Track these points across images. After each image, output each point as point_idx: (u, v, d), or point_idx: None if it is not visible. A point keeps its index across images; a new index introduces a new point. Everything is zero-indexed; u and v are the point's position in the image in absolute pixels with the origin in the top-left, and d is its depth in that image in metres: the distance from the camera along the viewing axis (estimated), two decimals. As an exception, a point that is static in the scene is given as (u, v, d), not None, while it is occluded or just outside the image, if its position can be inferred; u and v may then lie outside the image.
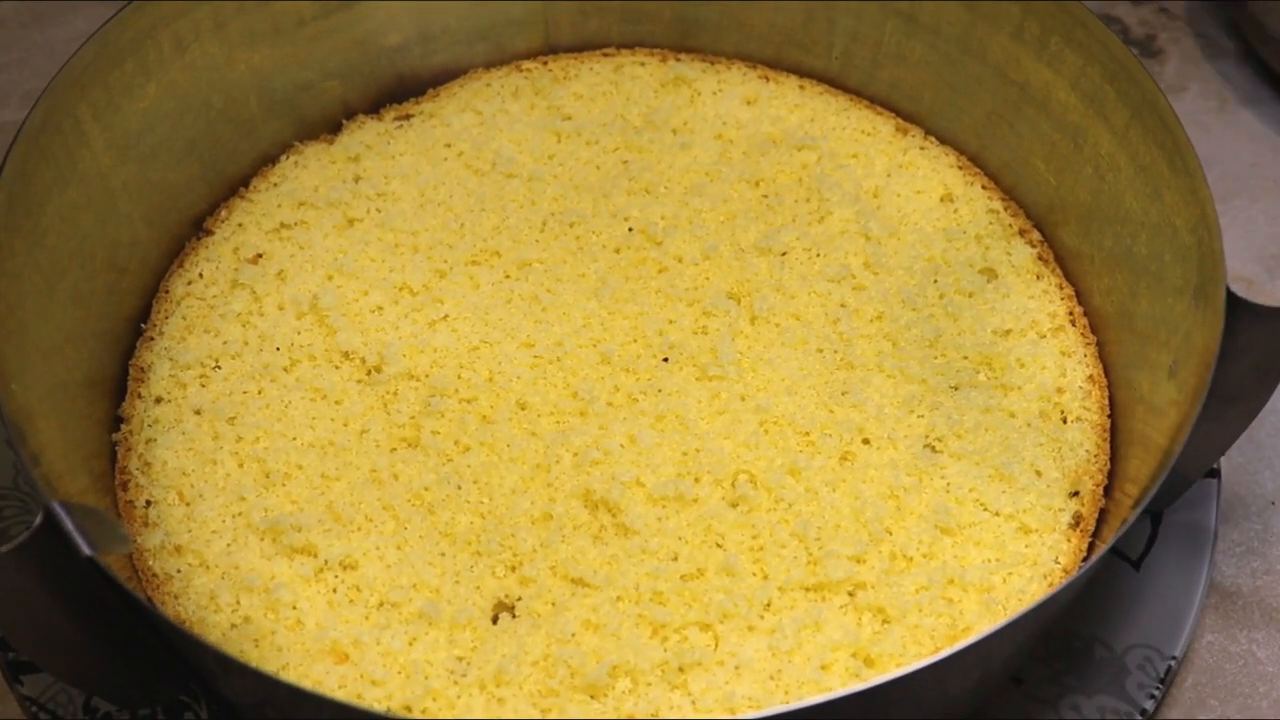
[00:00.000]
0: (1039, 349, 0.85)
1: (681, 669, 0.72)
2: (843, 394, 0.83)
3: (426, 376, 0.83)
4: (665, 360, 0.84)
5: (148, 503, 0.79)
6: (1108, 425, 0.83)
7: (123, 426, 0.82)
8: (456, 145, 0.95)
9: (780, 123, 0.96)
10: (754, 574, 0.76)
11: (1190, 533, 0.84)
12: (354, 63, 0.96)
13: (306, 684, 0.71)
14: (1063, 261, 0.90)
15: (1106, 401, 0.84)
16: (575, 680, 0.71)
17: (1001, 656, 0.72)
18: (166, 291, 0.88)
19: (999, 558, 0.77)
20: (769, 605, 0.74)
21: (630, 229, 0.90)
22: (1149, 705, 0.78)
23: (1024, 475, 0.80)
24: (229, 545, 0.77)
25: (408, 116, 0.97)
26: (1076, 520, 0.79)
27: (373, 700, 0.71)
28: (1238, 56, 1.17)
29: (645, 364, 0.84)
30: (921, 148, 0.95)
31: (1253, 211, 1.07)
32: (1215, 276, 0.71)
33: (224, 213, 0.92)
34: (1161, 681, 0.79)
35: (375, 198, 0.92)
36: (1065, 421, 0.82)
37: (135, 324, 0.87)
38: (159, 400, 0.83)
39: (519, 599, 0.75)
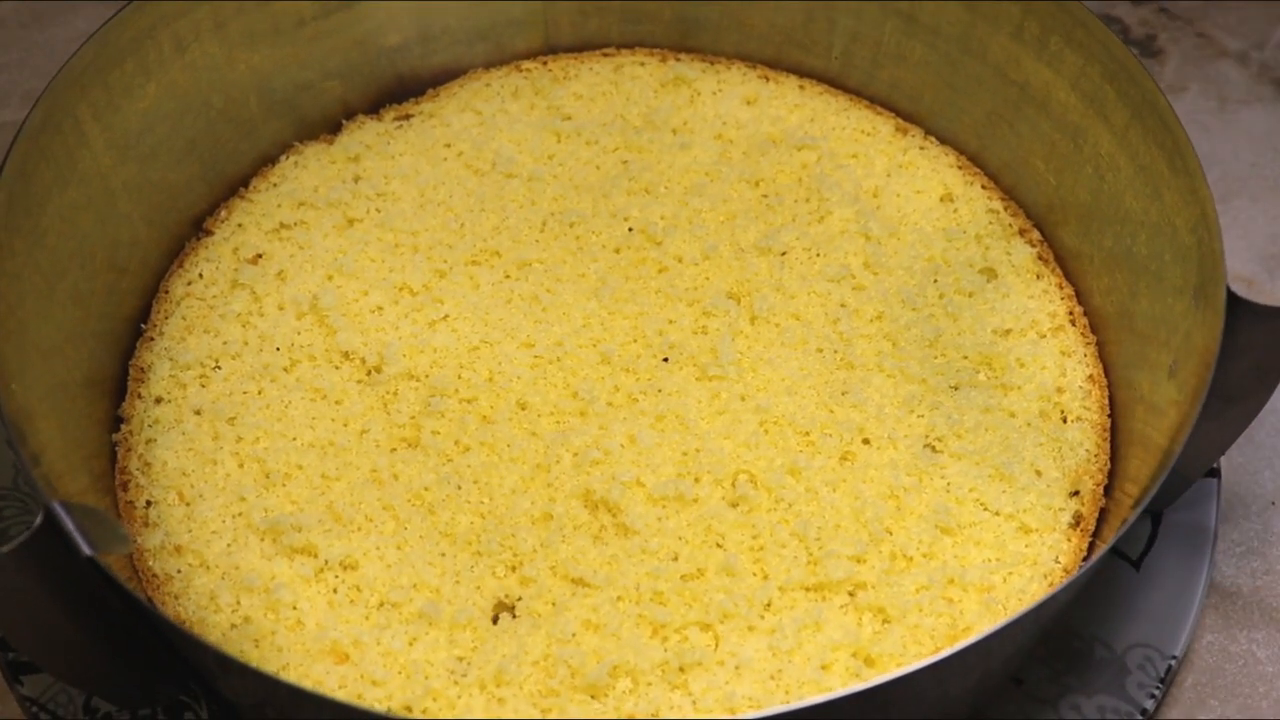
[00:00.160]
0: (1039, 349, 0.85)
1: (682, 669, 0.72)
2: (843, 394, 0.83)
3: (426, 376, 0.83)
4: (665, 360, 0.84)
5: (148, 503, 0.79)
6: (1108, 425, 0.83)
7: (123, 427, 0.82)
8: (456, 145, 0.95)
9: (780, 123, 0.96)
10: (754, 574, 0.76)
11: (1190, 532, 0.84)
12: (354, 63, 0.96)
13: (307, 684, 0.71)
14: (1063, 261, 0.90)
15: (1106, 401, 0.84)
16: (575, 680, 0.71)
17: (1001, 656, 0.72)
18: (166, 291, 0.88)
19: (999, 557, 0.77)
20: (769, 605, 0.74)
21: (630, 229, 0.90)
22: (1149, 705, 0.78)
23: (1024, 475, 0.80)
24: (229, 545, 0.77)
25: (408, 116, 0.97)
26: (1077, 520, 0.79)
27: (373, 700, 0.71)
28: (1238, 56, 1.17)
29: (645, 364, 0.84)
30: (921, 148, 0.95)
31: (1253, 211, 1.07)
32: (1215, 276, 0.71)
33: (224, 213, 0.92)
34: (1161, 681, 0.79)
35: (375, 198, 0.92)
36: (1065, 421, 0.82)
37: (135, 324, 0.87)
38: (159, 400, 0.83)
39: (519, 599, 0.75)
